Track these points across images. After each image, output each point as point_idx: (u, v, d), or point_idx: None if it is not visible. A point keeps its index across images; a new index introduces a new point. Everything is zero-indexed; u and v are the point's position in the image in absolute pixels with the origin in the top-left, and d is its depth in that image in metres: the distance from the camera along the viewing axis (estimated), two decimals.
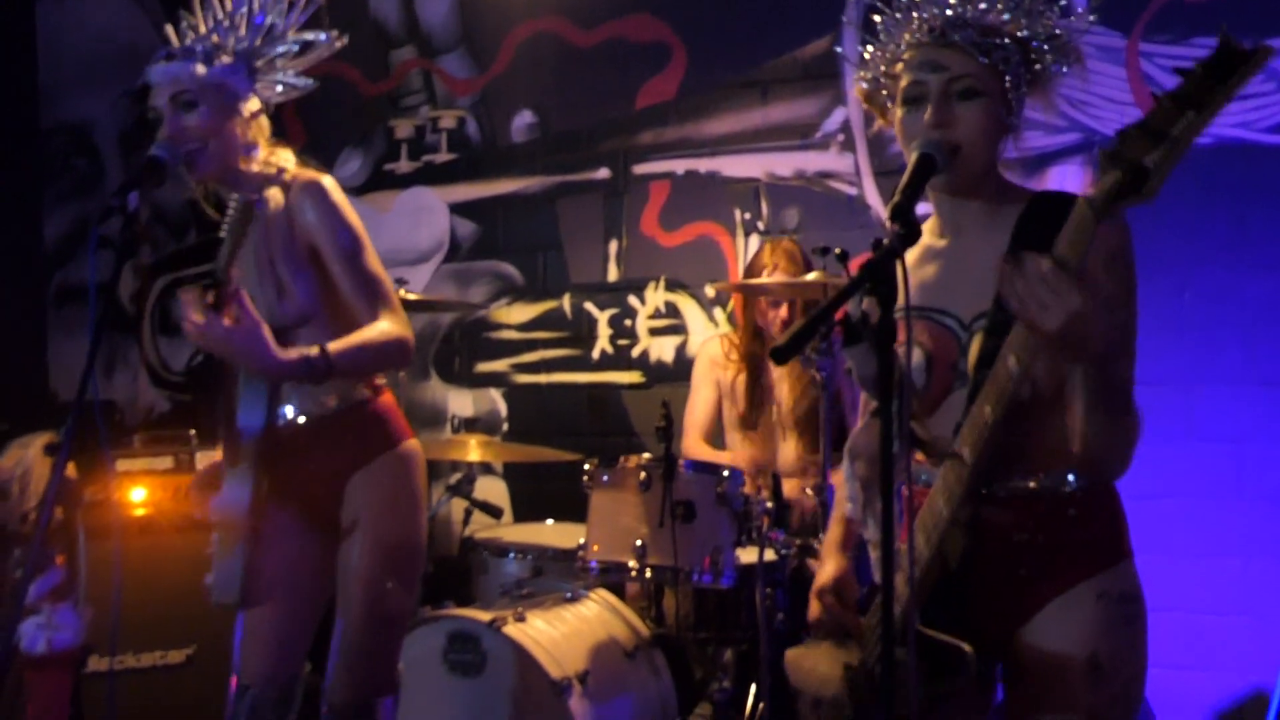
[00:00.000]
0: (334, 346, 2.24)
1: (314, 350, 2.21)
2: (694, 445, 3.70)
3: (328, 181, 2.38)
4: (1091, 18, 1.82)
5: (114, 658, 2.67)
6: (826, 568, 1.97)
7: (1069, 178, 3.67)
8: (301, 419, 2.40)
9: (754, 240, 4.08)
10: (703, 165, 4.18)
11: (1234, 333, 3.49)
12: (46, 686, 2.73)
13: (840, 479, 2.00)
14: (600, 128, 4.33)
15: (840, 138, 3.98)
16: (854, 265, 3.75)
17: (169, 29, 2.45)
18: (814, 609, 1.94)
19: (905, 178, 1.67)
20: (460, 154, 4.55)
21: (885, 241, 1.55)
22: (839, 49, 3.91)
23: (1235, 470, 3.45)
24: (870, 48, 1.87)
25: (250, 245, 2.36)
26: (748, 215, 4.12)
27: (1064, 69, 1.79)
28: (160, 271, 4.96)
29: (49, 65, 5.13)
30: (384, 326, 2.31)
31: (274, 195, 2.34)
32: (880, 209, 3.92)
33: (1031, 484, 1.72)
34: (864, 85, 1.90)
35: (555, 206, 4.41)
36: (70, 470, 3.24)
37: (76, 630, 2.73)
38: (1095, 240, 1.69)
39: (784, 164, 4.06)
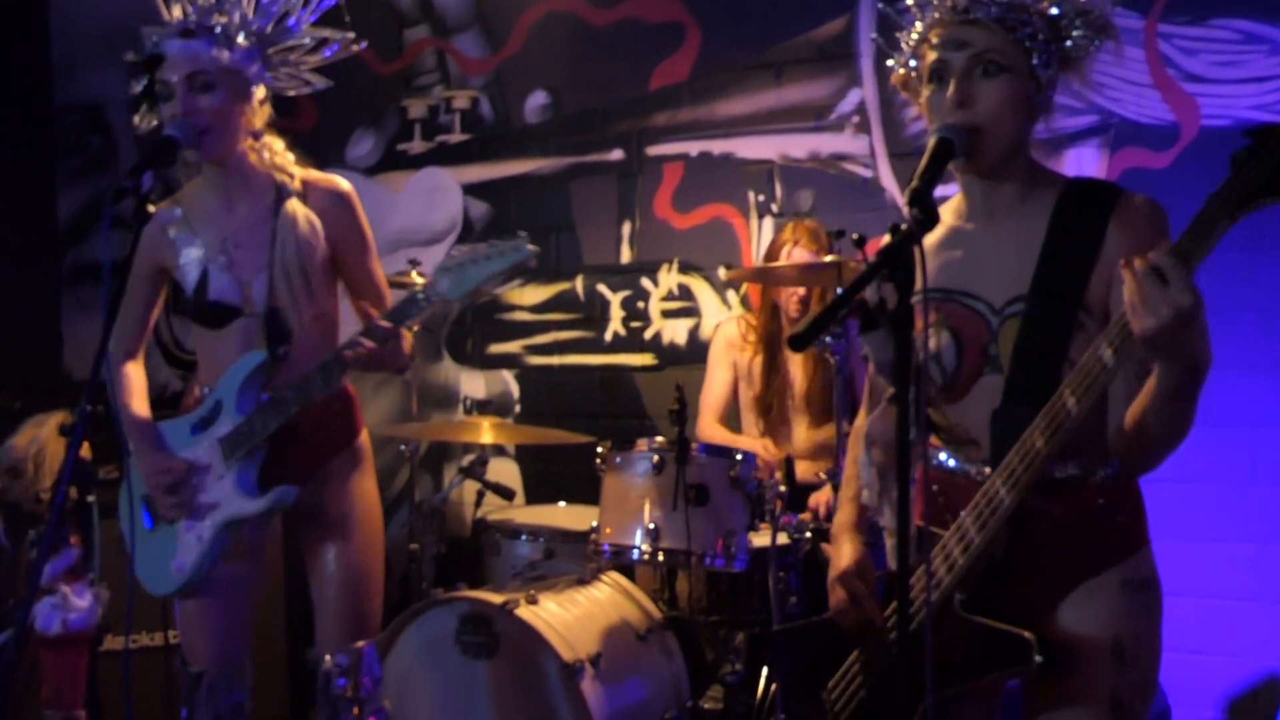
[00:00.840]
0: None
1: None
2: (709, 427, 3.69)
3: (350, 189, 2.46)
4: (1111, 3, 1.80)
5: (129, 635, 2.69)
6: (844, 551, 1.95)
7: (1086, 160, 3.64)
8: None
9: (768, 223, 4.07)
10: (716, 147, 4.17)
11: (1251, 316, 3.47)
12: (62, 666, 2.74)
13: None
14: (614, 109, 4.31)
15: (855, 119, 3.96)
16: (871, 248, 3.75)
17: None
18: (837, 596, 1.92)
19: (923, 162, 1.65)
20: (473, 134, 4.54)
21: (903, 226, 1.54)
22: (872, 35, 3.88)
23: (1250, 455, 3.44)
24: (902, 32, 1.86)
25: (278, 252, 2.39)
26: (761, 197, 4.10)
27: (1097, 44, 1.77)
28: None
29: (62, 44, 5.13)
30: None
31: (298, 208, 2.40)
32: (895, 191, 3.91)
33: (1072, 472, 1.72)
34: (900, 70, 1.88)
35: (568, 188, 4.41)
36: (84, 450, 3.25)
37: (92, 610, 2.75)
38: (1149, 230, 1.69)
39: (798, 146, 4.05)
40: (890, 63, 1.90)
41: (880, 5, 3.83)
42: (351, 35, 2.49)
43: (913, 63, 1.84)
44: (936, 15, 1.78)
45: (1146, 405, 1.62)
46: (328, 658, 2.41)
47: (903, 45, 1.87)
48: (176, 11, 2.41)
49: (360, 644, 2.37)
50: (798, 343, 1.41)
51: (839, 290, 2.94)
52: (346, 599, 2.51)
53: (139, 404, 2.54)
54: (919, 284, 1.48)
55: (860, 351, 1.82)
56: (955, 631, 1.68)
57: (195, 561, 2.39)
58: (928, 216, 1.55)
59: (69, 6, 5.11)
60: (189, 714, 2.45)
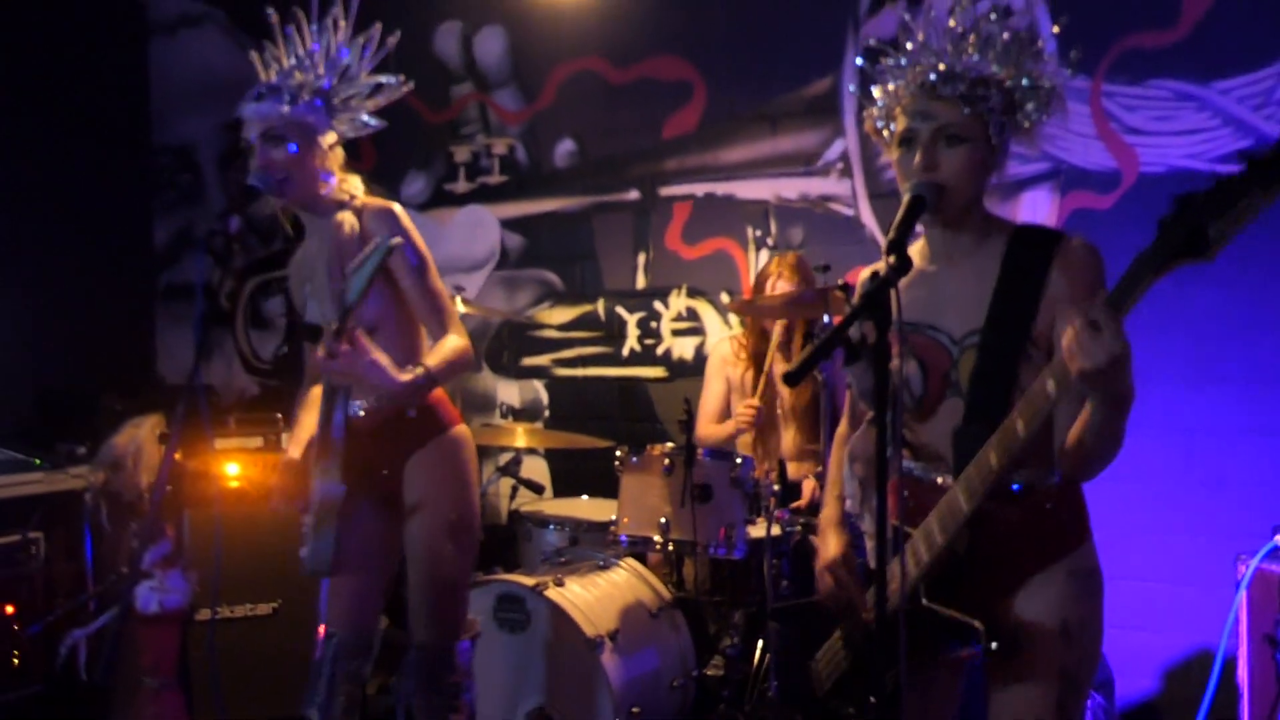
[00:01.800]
0: (431, 363, 2.32)
1: (420, 370, 2.29)
2: (706, 428, 3.68)
3: (398, 208, 2.40)
4: (1068, 71, 1.80)
5: (215, 609, 2.68)
6: (830, 544, 1.95)
7: (1039, 202, 3.62)
8: (372, 410, 2.40)
9: (764, 254, 4.05)
10: (720, 189, 4.15)
11: (1184, 337, 3.45)
12: (158, 641, 2.75)
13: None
14: (631, 155, 4.30)
15: (840, 165, 3.94)
16: (851, 276, 3.74)
17: (254, 56, 2.45)
18: (825, 583, 1.92)
19: (899, 216, 1.65)
20: (510, 176, 4.53)
21: (881, 273, 1.54)
22: (851, 88, 3.87)
23: (1184, 458, 3.41)
24: (877, 91, 1.85)
25: (325, 264, 2.37)
26: (758, 232, 4.09)
27: (1046, 116, 1.77)
28: (251, 273, 4.98)
29: (159, 93, 5.15)
30: (456, 341, 2.37)
31: (347, 219, 2.35)
32: (874, 228, 3.89)
33: (1022, 482, 1.72)
34: (872, 120, 1.87)
35: (591, 223, 4.39)
36: (177, 454, 3.26)
37: (184, 593, 2.75)
38: (1086, 271, 1.69)
39: (790, 188, 4.03)
40: (864, 114, 1.88)
41: (861, 65, 3.85)
42: (402, 78, 2.44)
43: (881, 122, 1.83)
44: (907, 85, 1.77)
45: (1083, 429, 1.63)
46: (415, 645, 2.41)
47: (875, 97, 1.85)
48: (272, 72, 2.41)
49: (454, 641, 2.38)
50: (792, 379, 1.40)
51: (825, 319, 2.94)
52: (424, 588, 2.42)
53: (306, 416, 2.49)
54: (895, 320, 1.49)
55: (841, 369, 1.81)
56: (920, 617, 1.69)
57: (311, 549, 2.34)
58: (903, 263, 1.55)
59: (165, 61, 5.14)
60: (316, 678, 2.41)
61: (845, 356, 1.53)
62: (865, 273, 1.96)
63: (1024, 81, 1.74)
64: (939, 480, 1.74)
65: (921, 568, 1.70)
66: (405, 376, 2.27)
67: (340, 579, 2.45)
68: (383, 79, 2.43)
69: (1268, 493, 3.30)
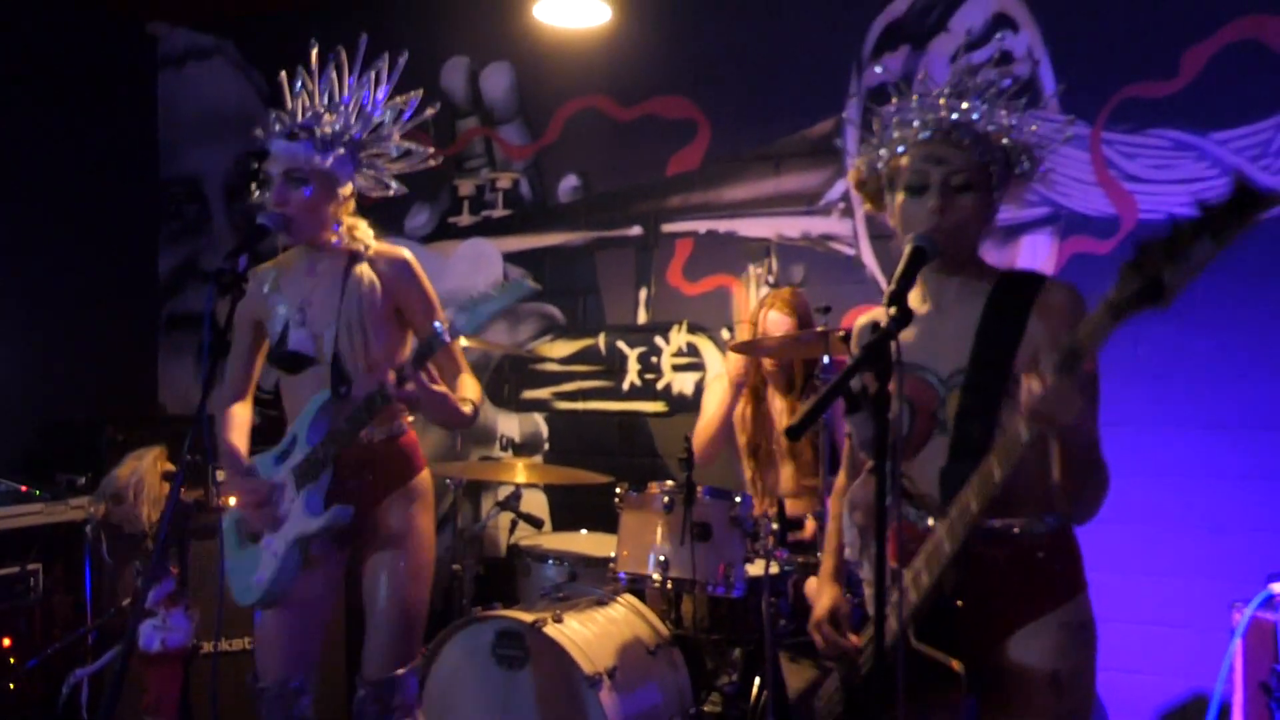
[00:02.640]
0: (474, 398, 2.45)
1: (470, 405, 2.44)
2: (702, 431, 3.63)
3: (409, 255, 2.46)
4: (1069, 134, 1.84)
5: (217, 644, 2.68)
6: (822, 600, 1.97)
7: (1039, 246, 3.66)
8: (361, 444, 2.44)
9: (764, 291, 4.08)
10: (722, 226, 4.20)
11: (1183, 382, 3.48)
12: (160, 679, 2.74)
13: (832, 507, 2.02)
14: (635, 191, 4.35)
15: (841, 205, 3.99)
16: (847, 322, 3.77)
17: (283, 77, 2.47)
18: (819, 640, 1.94)
19: (900, 268, 1.68)
20: (514, 210, 4.57)
21: (882, 324, 1.57)
22: (847, 121, 3.92)
23: (1183, 501, 3.44)
24: (872, 140, 1.87)
25: (336, 307, 2.40)
26: (760, 270, 4.13)
27: (1037, 176, 1.82)
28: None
29: (168, 125, 5.20)
30: (477, 387, 2.49)
31: (366, 272, 2.41)
32: (874, 268, 3.93)
33: (1015, 528, 1.74)
34: (860, 171, 1.89)
35: (594, 258, 4.43)
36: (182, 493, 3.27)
37: (186, 632, 2.75)
38: (1064, 311, 1.72)
39: (792, 227, 4.07)
40: (852, 162, 1.93)
41: (868, 105, 3.90)
42: (431, 149, 2.50)
43: (881, 164, 1.84)
44: (913, 132, 1.80)
45: (1062, 482, 1.67)
46: (364, 681, 2.45)
47: (873, 146, 1.86)
48: (300, 104, 2.44)
49: (399, 671, 2.41)
50: (794, 433, 1.43)
51: (825, 359, 2.96)
52: (391, 619, 2.47)
53: (236, 438, 2.57)
54: (895, 370, 1.52)
55: (841, 417, 1.83)
56: (909, 660, 1.70)
57: (273, 574, 2.39)
58: (904, 315, 1.58)
59: (173, 94, 5.19)
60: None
61: (846, 407, 1.56)
62: (863, 319, 1.99)
63: (1019, 139, 1.78)
64: (930, 523, 1.76)
65: (910, 608, 1.71)
66: (466, 408, 2.41)
67: (276, 618, 2.47)
68: (412, 145, 2.48)
69: (1264, 538, 3.33)
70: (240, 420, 2.60)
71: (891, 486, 1.53)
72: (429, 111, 2.48)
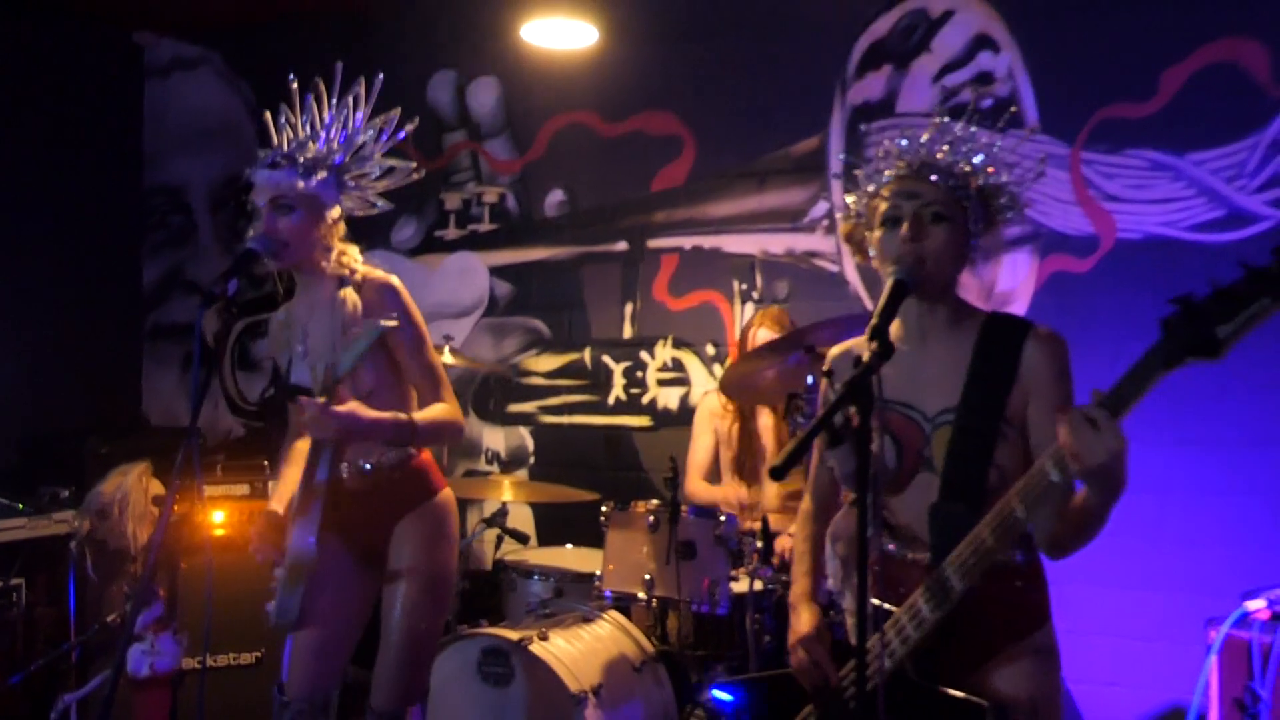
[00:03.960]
0: (419, 418, 2.37)
1: (404, 416, 2.36)
2: (694, 484, 3.73)
3: (397, 282, 2.46)
4: (1041, 170, 1.87)
5: (204, 661, 2.67)
6: (803, 618, 1.95)
7: (1019, 264, 3.70)
8: (364, 471, 2.44)
9: (749, 307, 4.13)
10: (707, 242, 4.23)
11: (1161, 399, 3.50)
12: (148, 704, 2.74)
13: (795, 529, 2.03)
14: (620, 207, 4.37)
15: (825, 222, 4.02)
16: (828, 357, 3.79)
17: (267, 118, 2.48)
18: (798, 658, 1.92)
19: (882, 302, 1.70)
20: (500, 224, 4.59)
21: (864, 358, 1.60)
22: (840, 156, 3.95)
23: (1158, 517, 3.47)
24: (853, 195, 1.92)
25: (323, 333, 2.41)
26: (744, 286, 4.16)
27: (1013, 215, 1.85)
28: (239, 316, 5.01)
29: (153, 135, 5.20)
30: (449, 409, 2.43)
31: (350, 295, 2.40)
32: (857, 284, 3.97)
33: (998, 559, 1.74)
34: (850, 222, 1.93)
35: (580, 272, 4.45)
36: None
37: (175, 656, 2.74)
38: (1054, 359, 1.75)
39: (776, 243, 4.10)
40: (839, 217, 1.97)
41: (852, 124, 3.94)
42: (414, 165, 2.49)
43: (862, 204, 1.89)
44: (891, 172, 1.85)
45: (1079, 514, 1.66)
46: (372, 711, 2.45)
47: (852, 203, 1.92)
48: (285, 137, 2.45)
49: (410, 708, 2.40)
50: (777, 473, 1.45)
51: (809, 379, 2.99)
52: (400, 652, 2.43)
53: (290, 471, 2.51)
54: (876, 405, 1.55)
55: (827, 463, 1.85)
56: (910, 695, 1.71)
57: (278, 603, 2.36)
58: (885, 349, 1.61)
59: (158, 104, 5.19)
60: None
61: (828, 441, 1.58)
62: (836, 350, 2.02)
63: (994, 181, 1.82)
64: (911, 558, 1.79)
65: (909, 645, 1.73)
66: (385, 415, 2.34)
67: (306, 636, 2.46)
68: (395, 163, 2.48)
69: (1239, 553, 3.38)
70: (299, 454, 2.52)
71: (873, 519, 1.55)
72: (408, 127, 2.48)
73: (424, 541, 2.46)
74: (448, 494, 2.55)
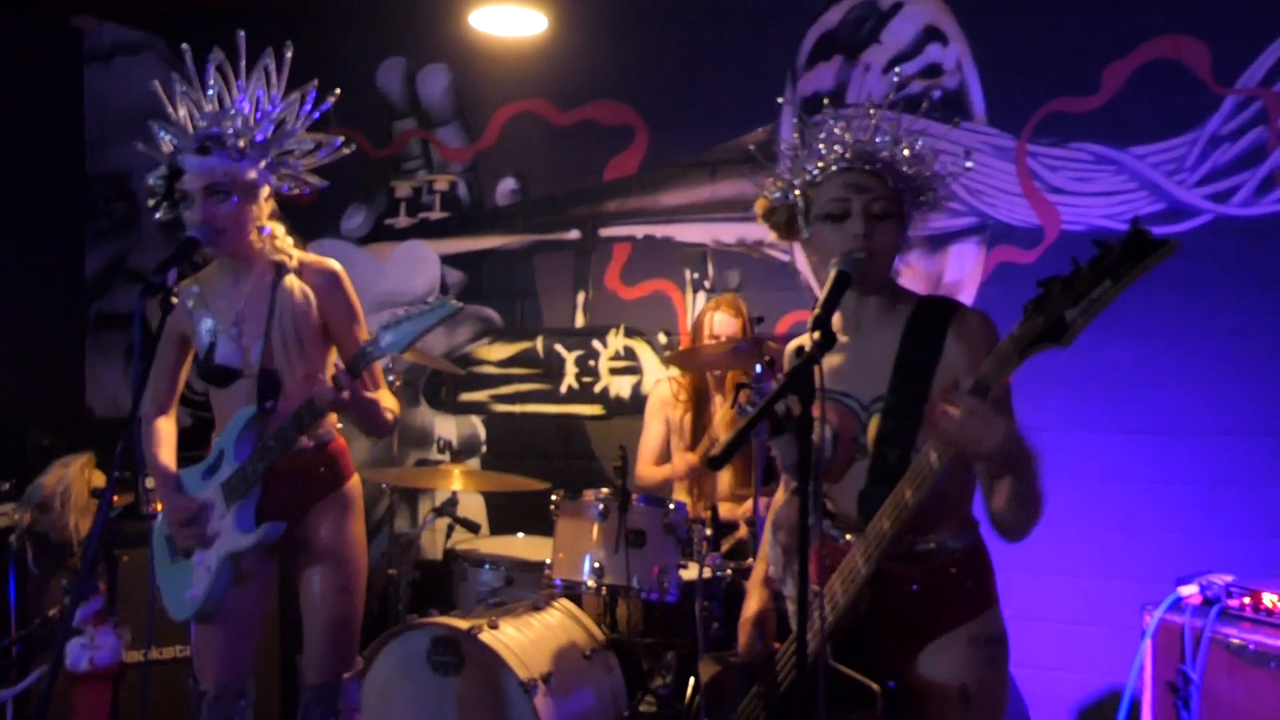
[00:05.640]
0: (377, 399, 2.40)
1: (392, 415, 2.44)
2: (645, 469, 3.74)
3: (338, 267, 2.47)
4: (969, 164, 1.89)
5: (147, 653, 2.63)
6: (751, 603, 2.01)
7: (966, 255, 3.76)
8: (290, 453, 2.44)
9: (701, 296, 4.15)
10: (659, 231, 4.24)
11: (1102, 388, 3.60)
12: (88, 699, 2.70)
13: (769, 509, 2.06)
14: (572, 195, 4.37)
15: None
16: (780, 328, 3.85)
17: (158, 89, 2.47)
18: (743, 640, 1.97)
19: (825, 293, 1.72)
20: (451, 213, 4.56)
21: (806, 349, 1.62)
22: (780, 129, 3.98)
23: (1100, 505, 3.56)
24: (780, 171, 1.91)
25: (275, 320, 2.40)
26: (696, 275, 4.19)
27: (937, 207, 1.88)
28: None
29: (94, 121, 5.09)
30: (392, 401, 2.49)
31: (295, 284, 2.40)
32: (808, 274, 4.01)
33: (929, 545, 1.79)
34: (768, 201, 1.92)
35: (532, 261, 4.45)
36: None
37: (115, 649, 2.71)
38: (977, 337, 1.78)
39: (728, 233, 4.13)
40: (765, 193, 1.94)
41: (800, 116, 3.95)
42: (343, 139, 2.49)
43: (793, 196, 1.88)
44: (831, 160, 1.84)
45: (1005, 495, 1.70)
46: (307, 686, 2.47)
47: (782, 180, 1.90)
48: (182, 111, 2.42)
49: (345, 675, 2.42)
50: (716, 463, 1.47)
51: (757, 368, 3.00)
52: (328, 630, 2.49)
53: (164, 453, 2.56)
54: (818, 393, 1.56)
55: (769, 452, 1.86)
56: (825, 678, 1.73)
57: (205, 589, 2.40)
58: (827, 339, 1.63)
59: (100, 90, 5.08)
60: None
61: (771, 430, 1.60)
62: (791, 346, 2.04)
63: (925, 173, 1.84)
64: (847, 538, 1.82)
65: (827, 627, 1.75)
66: (389, 417, 2.44)
67: (219, 623, 2.47)
68: (320, 137, 2.47)
69: (1174, 539, 3.47)
70: (165, 435, 2.60)
71: (814, 507, 1.58)
72: (329, 100, 2.46)
73: (341, 523, 2.53)
74: (357, 480, 2.62)
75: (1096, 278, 1.46)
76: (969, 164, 1.97)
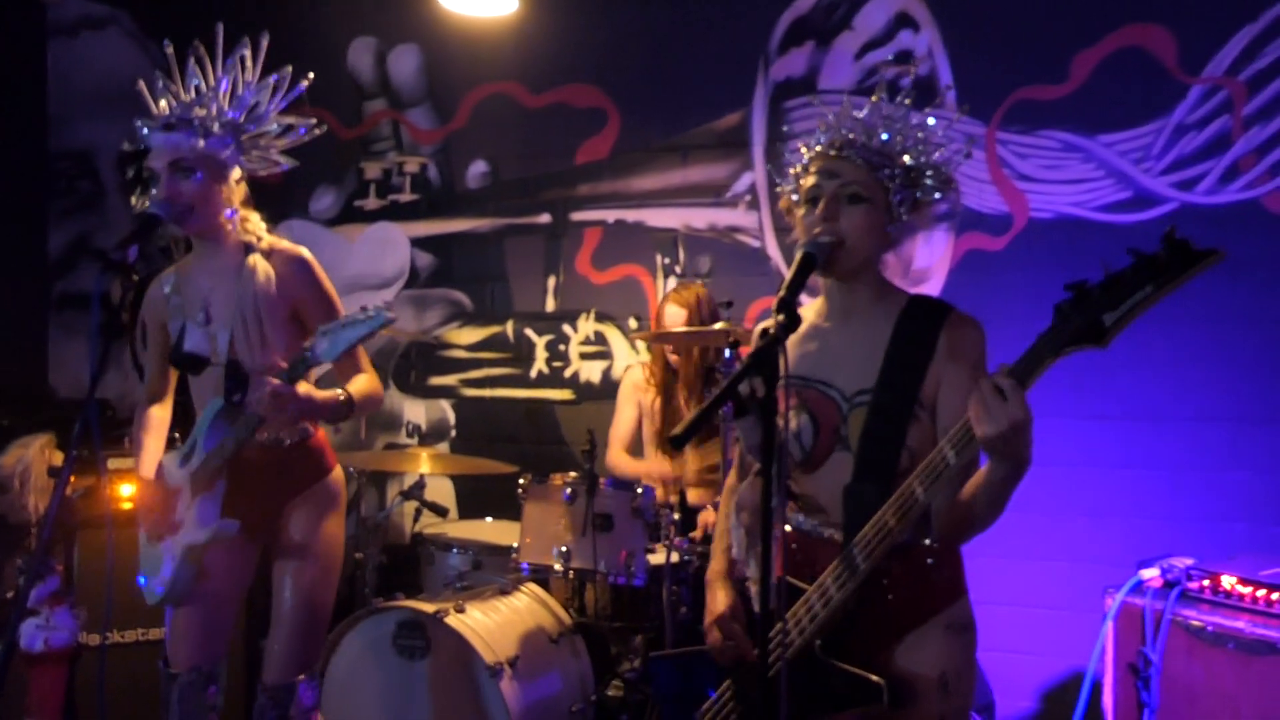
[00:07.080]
0: (354, 391, 2.37)
1: (342, 394, 2.36)
2: (617, 456, 3.74)
3: (309, 255, 2.44)
4: (969, 150, 1.89)
5: (105, 636, 2.61)
6: (719, 598, 1.96)
7: (935, 242, 3.77)
8: (265, 446, 2.43)
9: (672, 282, 4.13)
10: (630, 216, 4.22)
11: (1065, 374, 3.60)
12: (44, 680, 2.66)
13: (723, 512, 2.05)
14: (544, 179, 4.34)
15: (747, 198, 4.05)
16: (751, 313, 3.85)
17: (142, 87, 2.42)
18: (714, 636, 1.93)
19: (790, 274, 1.70)
20: (421, 195, 4.53)
21: (770, 331, 1.61)
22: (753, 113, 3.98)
23: (1063, 490, 3.58)
24: (792, 169, 1.92)
25: (233, 303, 2.36)
26: (667, 260, 4.18)
27: (941, 195, 1.86)
28: (149, 282, 4.86)
29: (58, 97, 5.00)
30: (372, 380, 2.44)
31: (261, 265, 2.36)
32: (779, 260, 4.01)
33: (906, 538, 1.75)
34: (788, 199, 1.93)
35: (503, 245, 4.42)
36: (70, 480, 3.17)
37: (72, 630, 2.67)
38: (971, 345, 1.78)
39: (699, 218, 4.12)
40: (779, 190, 1.96)
41: (774, 102, 3.96)
42: (314, 120, 2.46)
43: (793, 184, 1.90)
44: (816, 150, 1.85)
45: (976, 491, 1.67)
46: (264, 686, 2.44)
47: (790, 175, 1.92)
48: (163, 105, 2.40)
49: (300, 677, 2.40)
50: (677, 442, 1.45)
51: (726, 353, 3.01)
52: (294, 624, 2.45)
53: (150, 440, 2.51)
54: (782, 376, 1.55)
55: (734, 434, 1.86)
56: (816, 672, 1.73)
57: (170, 578, 2.35)
58: (791, 321, 1.61)
59: (64, 64, 4.99)
60: (166, 712, 2.42)
61: (734, 411, 1.59)
62: (757, 328, 2.03)
63: (922, 160, 1.83)
64: (827, 535, 1.80)
65: (818, 624, 1.74)
66: (331, 394, 2.35)
67: (193, 609, 2.45)
68: (293, 119, 2.44)
69: (1137, 524, 3.50)
70: (154, 421, 2.55)
71: (777, 489, 1.57)
72: (303, 83, 2.43)
73: (318, 519, 2.49)
74: (339, 473, 2.58)
75: (1138, 283, 1.45)
76: (969, 152, 1.95)
